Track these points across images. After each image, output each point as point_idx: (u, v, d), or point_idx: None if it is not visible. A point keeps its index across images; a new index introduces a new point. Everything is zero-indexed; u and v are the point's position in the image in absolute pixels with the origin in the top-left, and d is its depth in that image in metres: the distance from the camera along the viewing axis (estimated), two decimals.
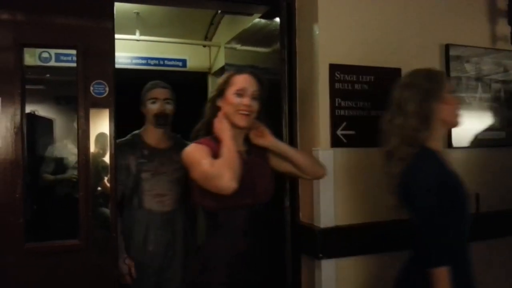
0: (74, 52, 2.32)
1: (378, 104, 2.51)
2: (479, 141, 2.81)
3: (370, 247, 2.45)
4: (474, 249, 2.69)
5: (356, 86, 2.47)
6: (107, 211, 2.28)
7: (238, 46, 3.41)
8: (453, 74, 2.71)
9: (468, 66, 2.78)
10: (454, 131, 2.69)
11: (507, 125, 2.91)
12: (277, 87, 2.67)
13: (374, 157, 2.50)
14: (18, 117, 2.17)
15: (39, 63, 4.29)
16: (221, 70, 4.71)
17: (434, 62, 2.69)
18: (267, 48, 2.87)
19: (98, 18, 2.33)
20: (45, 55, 4.34)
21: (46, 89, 4.57)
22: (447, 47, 2.70)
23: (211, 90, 2.04)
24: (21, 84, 2.20)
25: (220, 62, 4.86)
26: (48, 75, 4.47)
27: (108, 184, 2.28)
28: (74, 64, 2.31)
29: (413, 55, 2.63)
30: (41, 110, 4.45)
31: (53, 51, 4.34)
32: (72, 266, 2.24)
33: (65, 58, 4.34)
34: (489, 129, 2.84)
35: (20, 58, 2.21)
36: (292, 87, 2.63)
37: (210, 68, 5.44)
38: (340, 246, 2.37)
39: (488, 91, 2.85)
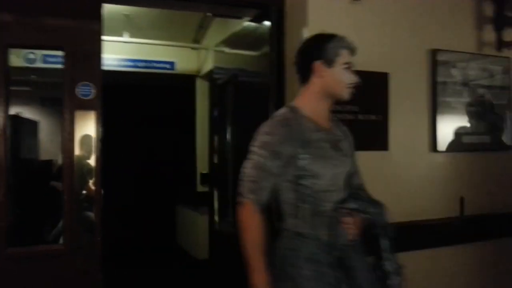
0: (60, 53, 2.29)
1: (365, 108, 2.52)
2: (464, 146, 2.84)
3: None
4: (457, 252, 2.74)
5: None
6: (92, 215, 2.24)
7: (227, 49, 3.40)
8: (440, 79, 2.73)
9: (454, 71, 2.81)
10: (440, 135, 2.71)
11: (492, 130, 2.94)
12: (266, 90, 2.66)
13: (361, 161, 2.51)
14: (1, 119, 2.14)
15: (24, 64, 4.23)
16: (210, 73, 4.70)
17: (421, 66, 2.71)
18: (257, 51, 2.87)
19: (85, 19, 2.31)
20: (31, 56, 4.28)
21: (32, 91, 4.51)
22: (434, 52, 2.72)
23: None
24: (6, 85, 2.16)
25: (209, 65, 4.85)
26: (34, 77, 4.42)
27: (93, 188, 2.24)
28: (61, 66, 2.28)
29: (400, 60, 2.64)
30: (26, 112, 4.40)
31: (39, 52, 4.29)
32: (56, 271, 2.20)
33: (52, 60, 4.29)
34: (474, 133, 2.87)
35: (5, 58, 2.18)
36: (281, 90, 2.63)
37: (198, 71, 5.42)
38: None
39: (473, 96, 2.88)
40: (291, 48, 2.60)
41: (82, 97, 2.27)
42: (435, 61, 2.72)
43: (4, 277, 2.12)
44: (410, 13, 2.68)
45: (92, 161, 2.25)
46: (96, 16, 2.33)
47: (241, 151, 3.13)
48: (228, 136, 3.32)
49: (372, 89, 2.55)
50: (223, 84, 3.45)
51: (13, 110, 2.30)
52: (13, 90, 2.24)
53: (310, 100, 1.80)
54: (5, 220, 2.11)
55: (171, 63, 5.21)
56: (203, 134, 5.28)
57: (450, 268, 2.73)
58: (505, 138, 2.98)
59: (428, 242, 2.63)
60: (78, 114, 2.26)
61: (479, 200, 2.82)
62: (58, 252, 2.22)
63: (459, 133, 2.81)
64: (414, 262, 2.61)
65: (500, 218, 2.86)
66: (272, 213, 1.81)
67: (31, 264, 2.17)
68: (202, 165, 5.31)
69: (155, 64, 5.15)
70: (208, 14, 4.23)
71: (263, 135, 1.72)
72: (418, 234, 2.61)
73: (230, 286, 3.07)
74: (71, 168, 2.22)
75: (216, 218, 3.58)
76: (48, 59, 4.36)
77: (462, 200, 2.75)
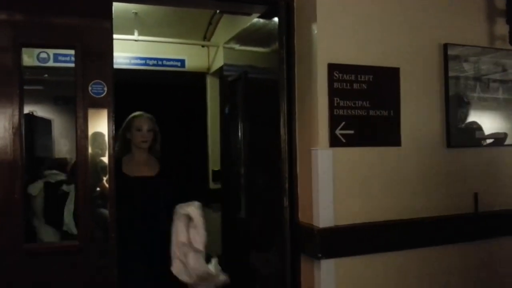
0: (72, 52, 2.32)
1: (377, 103, 2.51)
2: (477, 141, 2.81)
3: (369, 247, 2.44)
4: (472, 249, 2.72)
5: (355, 85, 2.47)
6: (106, 212, 2.27)
7: (237, 46, 3.41)
8: (451, 73, 2.71)
9: (466, 66, 2.78)
10: (453, 130, 2.69)
11: (505, 125, 2.91)
12: (276, 86, 2.67)
13: (373, 157, 2.51)
14: (16, 118, 2.17)
15: (37, 63, 4.28)
16: (220, 70, 4.71)
17: (433, 61, 2.69)
18: (266, 48, 2.87)
19: (96, 18, 2.33)
20: (43, 55, 4.32)
21: (45, 90, 4.56)
22: (445, 46, 2.70)
23: None
24: (19, 84, 2.19)
25: (219, 62, 4.85)
26: (46, 76, 4.46)
27: (107, 185, 2.27)
28: (73, 65, 2.31)
29: (411, 55, 2.63)
30: (40, 111, 4.45)
31: (51, 52, 4.33)
32: (71, 267, 2.23)
33: (63, 59, 4.33)
34: (488, 128, 2.85)
35: (19, 58, 2.21)
36: (290, 86, 2.63)
37: (208, 68, 5.43)
38: (339, 246, 2.37)
39: (486, 91, 2.85)
40: (300, 44, 2.60)
41: (94, 95, 2.29)
42: (446, 55, 2.70)
43: (21, 273, 2.16)
44: (420, 7, 2.66)
45: (105, 159, 2.28)
46: (107, 14, 2.35)
47: (253, 147, 3.16)
48: (240, 132, 3.34)
49: (383, 85, 2.55)
50: (234, 81, 3.46)
51: (26, 109, 2.34)
52: (26, 90, 2.27)
53: None
54: (22, 217, 2.15)
55: (182, 61, 5.22)
56: (214, 131, 5.30)
57: (465, 264, 2.71)
58: None
59: (442, 239, 2.62)
60: (91, 112, 2.29)
61: (493, 196, 2.79)
62: (73, 248, 2.25)
63: (473, 128, 2.79)
64: (428, 259, 2.61)
65: None
66: None
67: (47, 260, 2.21)
68: (214, 162, 5.32)
69: (165, 62, 5.16)
70: (217, 11, 4.23)
71: None
72: (431, 231, 2.60)
73: (243, 284, 3.09)
74: (85, 165, 2.25)
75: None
76: (59, 58, 4.39)
77: (476, 196, 2.73)
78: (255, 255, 3.03)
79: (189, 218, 2.73)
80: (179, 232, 2.70)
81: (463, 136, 2.75)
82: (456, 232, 2.67)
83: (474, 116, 2.81)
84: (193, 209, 2.76)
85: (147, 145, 2.99)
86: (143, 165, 2.98)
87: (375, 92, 2.51)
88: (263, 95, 2.93)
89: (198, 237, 2.69)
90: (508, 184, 2.86)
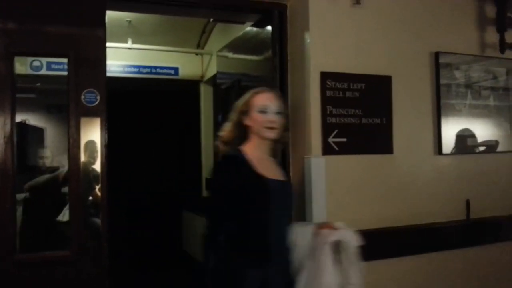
0: (65, 60, 2.31)
1: (369, 111, 2.53)
2: (469, 148, 2.83)
3: (363, 255, 2.44)
4: (464, 255, 2.73)
5: (348, 93, 2.48)
6: (98, 221, 2.26)
7: (230, 54, 3.42)
8: (443, 81, 2.73)
9: (457, 73, 2.81)
10: (444, 138, 2.71)
11: (496, 132, 2.93)
12: None
13: (366, 164, 2.52)
14: (8, 126, 2.16)
15: (30, 71, 4.26)
16: (213, 78, 4.71)
17: (424, 69, 2.72)
18: (259, 56, 2.88)
19: (89, 26, 2.32)
20: (36, 63, 4.31)
21: (37, 98, 4.55)
22: (436, 54, 2.72)
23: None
24: (12, 93, 2.18)
25: (212, 70, 4.87)
26: (39, 84, 4.45)
27: (99, 194, 2.26)
28: (66, 73, 2.30)
29: (403, 63, 2.65)
30: (32, 119, 4.42)
31: (44, 60, 4.32)
32: (63, 277, 2.21)
33: (56, 67, 4.32)
34: (479, 135, 2.87)
35: (11, 66, 2.19)
36: (283, 95, 2.64)
37: (202, 76, 5.44)
38: None
39: (477, 98, 2.88)
40: (293, 53, 2.61)
41: (87, 104, 2.28)
42: (438, 63, 2.72)
43: (13, 283, 2.13)
44: (412, 16, 2.69)
45: (98, 167, 2.27)
46: (100, 23, 2.34)
47: None
48: None
49: (376, 93, 2.56)
50: (227, 89, 3.47)
51: (19, 118, 2.32)
52: (19, 98, 2.26)
53: None
54: (13, 227, 2.13)
55: (175, 69, 5.23)
56: (207, 139, 5.30)
57: (457, 271, 2.72)
58: (510, 140, 2.97)
59: (435, 245, 2.63)
60: (84, 121, 2.27)
61: (485, 203, 2.81)
62: (65, 258, 2.23)
63: (464, 136, 2.81)
64: (421, 266, 2.61)
65: (507, 220, 2.85)
66: None
67: (39, 270, 2.18)
68: (207, 170, 5.32)
69: (159, 70, 5.17)
70: (211, 19, 4.25)
71: None
72: (424, 238, 2.61)
73: None
74: (78, 174, 2.24)
75: None
76: (52, 66, 4.38)
77: (468, 203, 2.74)
78: None
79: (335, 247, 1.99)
80: (327, 273, 1.96)
81: (455, 144, 2.77)
82: (448, 239, 2.68)
83: (465, 123, 2.83)
84: (350, 236, 2.03)
85: (276, 134, 1.95)
86: (270, 164, 2.00)
87: (367, 100, 2.53)
88: None
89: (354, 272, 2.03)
90: (499, 191, 2.88)
